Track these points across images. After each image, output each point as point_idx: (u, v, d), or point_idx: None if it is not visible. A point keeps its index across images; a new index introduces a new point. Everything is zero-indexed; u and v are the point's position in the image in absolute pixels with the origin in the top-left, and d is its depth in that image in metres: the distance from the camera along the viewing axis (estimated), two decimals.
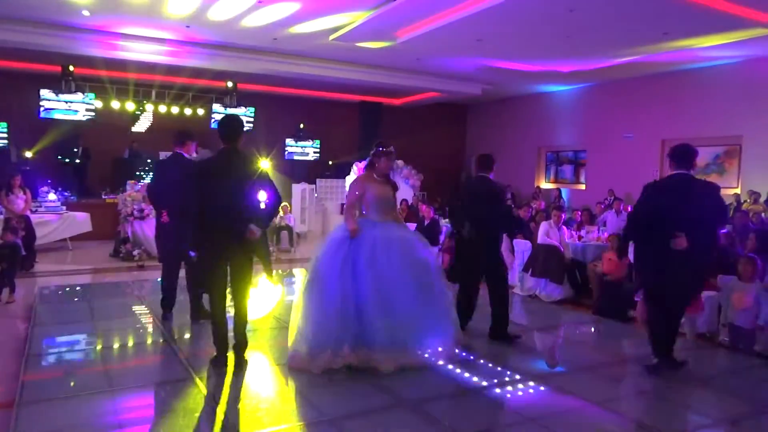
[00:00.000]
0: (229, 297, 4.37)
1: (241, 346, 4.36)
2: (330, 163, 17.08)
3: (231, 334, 4.37)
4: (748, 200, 11.05)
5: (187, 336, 5.29)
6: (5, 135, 12.91)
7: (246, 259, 4.33)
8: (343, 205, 14.62)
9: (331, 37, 11.24)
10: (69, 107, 12.47)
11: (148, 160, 13.85)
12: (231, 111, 14.03)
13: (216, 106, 14.16)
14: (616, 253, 6.79)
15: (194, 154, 5.82)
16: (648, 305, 4.58)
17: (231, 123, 4.33)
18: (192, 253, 3.94)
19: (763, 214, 9.84)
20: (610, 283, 6.70)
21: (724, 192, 12.11)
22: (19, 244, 7.10)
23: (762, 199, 10.93)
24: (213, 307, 4.31)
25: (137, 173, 13.37)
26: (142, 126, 14.06)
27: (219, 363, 4.28)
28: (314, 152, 16.90)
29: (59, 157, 13.50)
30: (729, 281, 5.41)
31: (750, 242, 6.10)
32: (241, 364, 4.31)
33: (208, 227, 4.09)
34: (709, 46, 10.96)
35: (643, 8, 8.88)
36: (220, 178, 4.09)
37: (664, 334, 4.35)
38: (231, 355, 4.35)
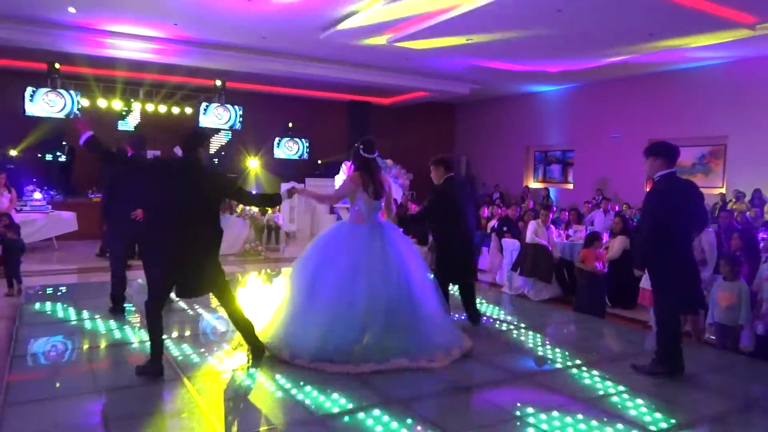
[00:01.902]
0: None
1: (258, 350, 4.34)
2: (319, 162, 17.04)
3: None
4: (733, 200, 11.19)
5: (173, 336, 5.26)
6: None
7: (214, 263, 4.20)
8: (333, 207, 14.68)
9: (321, 35, 11.22)
10: (54, 105, 12.32)
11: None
12: (220, 110, 13.95)
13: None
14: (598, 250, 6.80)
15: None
16: (678, 313, 4.46)
17: (187, 136, 4.26)
18: None
19: (747, 213, 9.98)
20: (591, 278, 6.58)
21: (709, 192, 12.31)
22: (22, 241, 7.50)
23: (746, 199, 11.07)
24: (155, 311, 4.06)
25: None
26: (129, 124, 13.97)
27: (147, 371, 4.01)
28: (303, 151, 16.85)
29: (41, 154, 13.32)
30: (715, 280, 5.48)
31: (734, 241, 6.19)
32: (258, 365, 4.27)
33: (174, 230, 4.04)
34: (696, 47, 11.07)
35: (629, 9, 8.95)
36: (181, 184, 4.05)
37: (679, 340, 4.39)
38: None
